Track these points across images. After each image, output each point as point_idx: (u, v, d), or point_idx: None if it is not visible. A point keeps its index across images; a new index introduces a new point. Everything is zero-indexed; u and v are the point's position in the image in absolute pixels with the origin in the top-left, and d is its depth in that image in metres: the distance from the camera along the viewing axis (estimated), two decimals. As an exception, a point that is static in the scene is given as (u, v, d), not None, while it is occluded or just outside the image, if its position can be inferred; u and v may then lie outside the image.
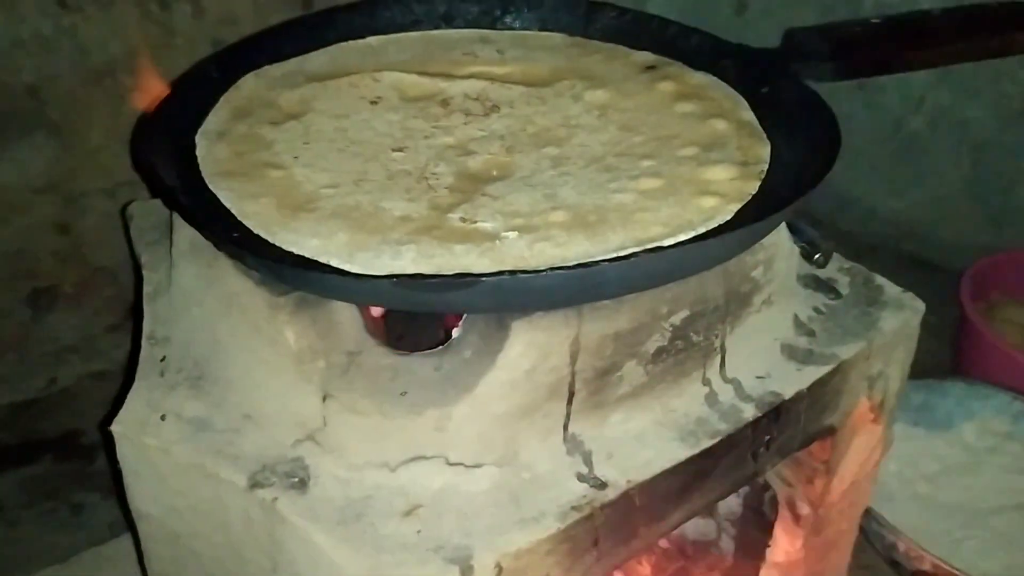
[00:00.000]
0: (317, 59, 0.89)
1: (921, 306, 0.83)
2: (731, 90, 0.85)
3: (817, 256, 0.83)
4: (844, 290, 0.83)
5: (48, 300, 1.41)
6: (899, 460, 1.31)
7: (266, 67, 0.87)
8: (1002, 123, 1.64)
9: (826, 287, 0.82)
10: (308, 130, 0.79)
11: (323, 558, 0.60)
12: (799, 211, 0.74)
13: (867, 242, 1.75)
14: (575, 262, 0.59)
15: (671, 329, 0.65)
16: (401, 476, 0.62)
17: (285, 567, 0.63)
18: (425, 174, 0.73)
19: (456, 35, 0.93)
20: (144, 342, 0.74)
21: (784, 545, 0.89)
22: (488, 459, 0.62)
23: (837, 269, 0.85)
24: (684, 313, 0.65)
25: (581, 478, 0.63)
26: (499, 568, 0.58)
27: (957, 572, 1.07)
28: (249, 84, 0.85)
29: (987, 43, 0.93)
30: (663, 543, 0.82)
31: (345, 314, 0.63)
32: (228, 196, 0.69)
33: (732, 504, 0.84)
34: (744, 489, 0.85)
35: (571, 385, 0.62)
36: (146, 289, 0.79)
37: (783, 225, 0.72)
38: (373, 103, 0.83)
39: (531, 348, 0.60)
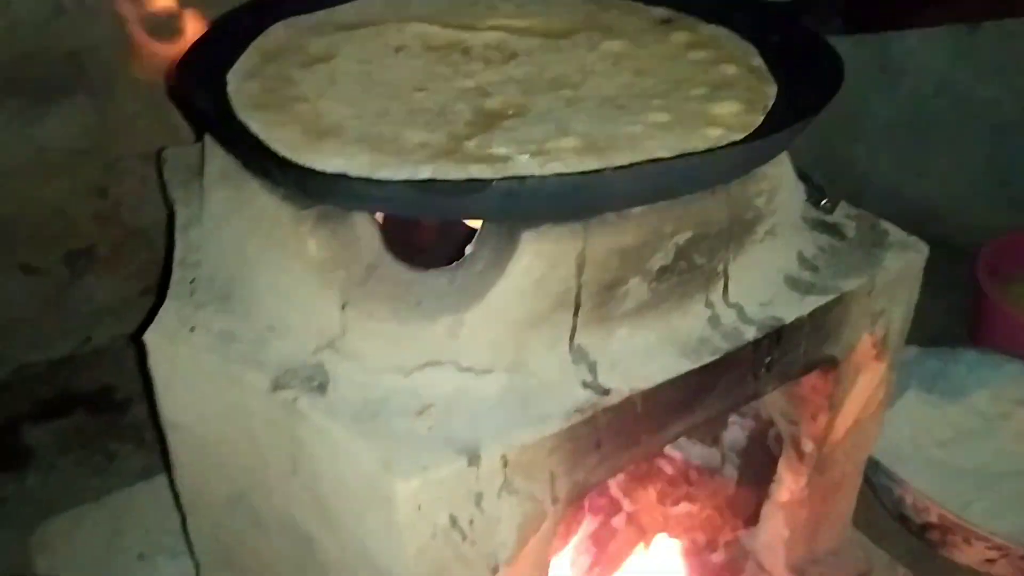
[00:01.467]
0: (345, 11, 0.93)
1: (925, 248, 0.85)
2: (742, 40, 0.88)
3: (824, 202, 0.86)
4: (850, 233, 0.85)
5: (85, 261, 1.47)
6: (913, 425, 1.33)
7: (295, 17, 0.91)
8: (1023, 104, 1.65)
9: (832, 230, 0.85)
10: (334, 72, 0.83)
11: (340, 451, 0.63)
12: (803, 150, 0.77)
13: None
14: (582, 174, 0.63)
15: (675, 248, 0.68)
16: (415, 380, 0.66)
17: (304, 465, 0.67)
18: (445, 111, 0.77)
19: None
20: (175, 267, 0.78)
21: (789, 483, 0.91)
22: (498, 365, 0.66)
23: (844, 216, 0.88)
24: (688, 234, 0.68)
25: (586, 385, 0.66)
26: (505, 460, 0.62)
27: (963, 523, 1.08)
28: (279, 32, 0.89)
29: (997, 1, 0.95)
30: (668, 469, 0.85)
31: (365, 229, 0.67)
32: (257, 124, 0.73)
33: (737, 436, 0.86)
34: (749, 424, 0.87)
35: (577, 297, 0.66)
36: (178, 223, 0.83)
37: (786, 159, 0.75)
38: (397, 50, 0.87)
39: (539, 258, 0.63)
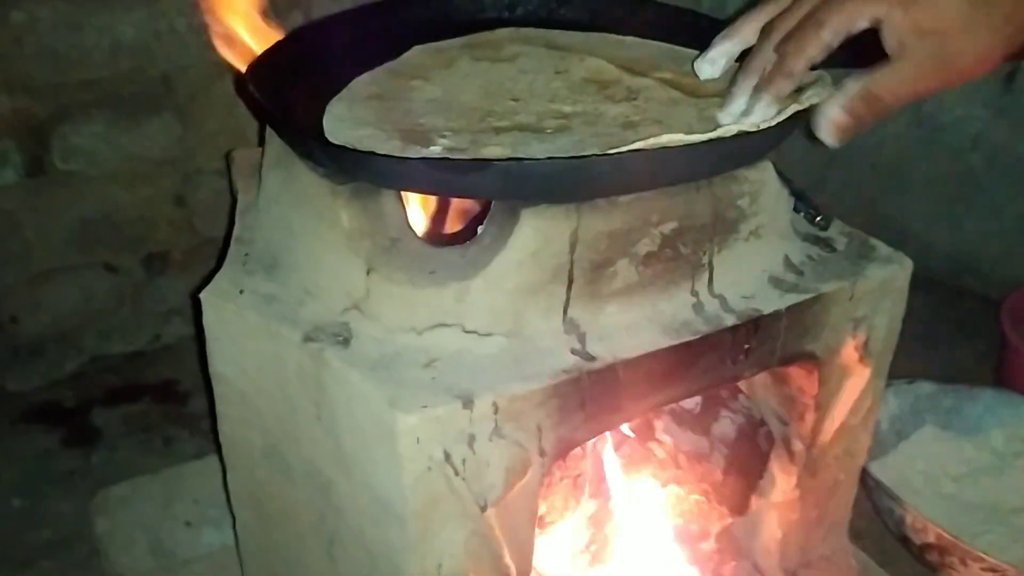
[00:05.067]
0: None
1: (909, 263, 0.92)
2: None
3: (819, 219, 0.94)
4: (840, 247, 0.92)
5: (160, 264, 1.61)
6: (927, 460, 1.36)
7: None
8: (1056, 160, 1.69)
9: (823, 243, 0.92)
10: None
11: (356, 394, 0.73)
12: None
13: (924, 276, 1.80)
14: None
15: (660, 236, 0.77)
16: (425, 339, 0.75)
17: (326, 410, 0.76)
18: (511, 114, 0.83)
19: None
20: (232, 243, 0.90)
21: (781, 483, 0.97)
22: (498, 329, 0.75)
23: (838, 232, 0.95)
24: (673, 224, 0.77)
25: (574, 352, 0.75)
26: (496, 407, 0.70)
27: (959, 543, 1.12)
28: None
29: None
30: (659, 453, 0.92)
31: (391, 206, 0.78)
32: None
33: (727, 429, 0.93)
34: (740, 420, 0.94)
35: (570, 272, 0.75)
36: (239, 207, 0.95)
37: (770, 168, 0.83)
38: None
39: (537, 233, 0.73)
